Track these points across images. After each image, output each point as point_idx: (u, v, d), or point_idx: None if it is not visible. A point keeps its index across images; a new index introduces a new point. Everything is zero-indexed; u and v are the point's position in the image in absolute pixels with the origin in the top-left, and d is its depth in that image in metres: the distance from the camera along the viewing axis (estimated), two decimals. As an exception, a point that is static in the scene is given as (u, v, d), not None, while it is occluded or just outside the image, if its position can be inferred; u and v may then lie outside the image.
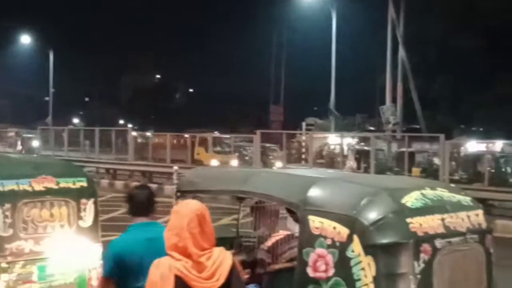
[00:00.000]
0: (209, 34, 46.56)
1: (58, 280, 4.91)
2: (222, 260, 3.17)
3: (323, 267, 3.46)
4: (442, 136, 16.61)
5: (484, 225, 3.83)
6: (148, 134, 26.15)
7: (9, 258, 4.65)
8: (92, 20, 50.91)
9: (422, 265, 3.36)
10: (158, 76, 64.24)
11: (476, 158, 21.04)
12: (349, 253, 3.38)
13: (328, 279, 3.43)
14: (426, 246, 3.40)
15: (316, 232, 3.52)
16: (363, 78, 37.76)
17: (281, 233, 4.56)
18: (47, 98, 46.02)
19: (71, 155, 24.80)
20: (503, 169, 23.14)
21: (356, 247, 3.37)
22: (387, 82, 25.02)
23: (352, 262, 3.36)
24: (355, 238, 3.38)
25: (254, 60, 43.77)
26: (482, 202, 14.34)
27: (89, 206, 4.96)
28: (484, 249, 3.78)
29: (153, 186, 20.69)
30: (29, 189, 4.82)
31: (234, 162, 21.35)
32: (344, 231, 3.42)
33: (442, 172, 16.08)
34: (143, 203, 3.95)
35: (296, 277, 3.63)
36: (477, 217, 3.81)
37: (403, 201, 3.52)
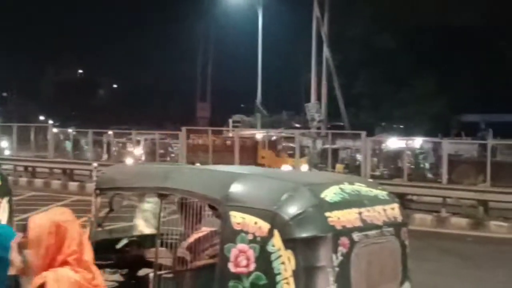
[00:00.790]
0: (134, 29, 45.67)
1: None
2: None
3: (244, 262, 3.48)
4: (363, 133, 17.07)
5: (399, 219, 3.96)
6: (70, 130, 25.37)
7: None
8: (9, 13, 48.86)
9: (340, 258, 3.44)
10: (80, 71, 62.56)
11: (397, 155, 21.70)
12: (269, 248, 3.41)
13: (249, 274, 3.45)
14: (344, 239, 3.48)
15: (238, 228, 3.53)
16: (290, 76, 38.24)
17: (204, 230, 4.54)
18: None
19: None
20: (422, 165, 24.07)
21: (276, 241, 3.41)
22: (312, 80, 25.47)
23: (273, 257, 3.40)
24: (276, 232, 3.42)
25: (180, 57, 43.34)
26: (402, 197, 15.04)
27: (3, 205, 4.77)
28: (399, 241, 3.91)
29: (75, 184, 20.20)
30: None
31: (305, 167, 19.29)
32: (265, 226, 3.45)
33: (364, 168, 16.53)
34: None
35: (218, 273, 3.63)
36: (393, 210, 3.94)
37: (322, 195, 3.59)
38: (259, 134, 23.35)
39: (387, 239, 3.79)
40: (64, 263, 2.99)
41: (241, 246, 3.50)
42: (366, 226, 3.65)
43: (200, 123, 36.54)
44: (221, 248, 3.60)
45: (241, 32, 35.25)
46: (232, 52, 40.22)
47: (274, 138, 22.81)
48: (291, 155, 21.06)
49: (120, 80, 57.18)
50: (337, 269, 3.41)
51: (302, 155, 20.43)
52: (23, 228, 3.11)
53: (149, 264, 4.52)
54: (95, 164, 13.87)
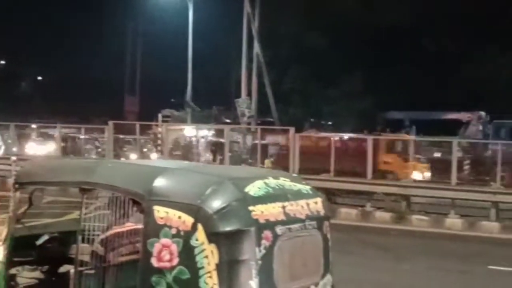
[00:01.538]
0: (60, 20, 44.11)
1: None
2: None
3: (167, 257, 3.47)
4: (292, 129, 17.28)
5: (322, 212, 4.04)
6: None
7: None
8: None
9: (264, 251, 3.48)
10: (2, 62, 60.14)
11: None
12: (193, 242, 3.41)
13: (172, 268, 3.44)
14: (267, 233, 3.52)
15: (161, 222, 3.51)
16: (220, 71, 38.17)
17: (128, 225, 4.47)
18: None
19: None
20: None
21: (200, 235, 3.41)
22: (243, 75, 25.51)
23: (196, 251, 3.41)
24: (199, 226, 3.42)
25: (108, 49, 42.36)
26: (328, 192, 15.29)
27: None
28: (322, 234, 3.99)
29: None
30: None
31: (427, 174, 18.13)
32: (188, 220, 3.45)
33: (292, 163, 16.73)
34: None
35: (140, 268, 3.60)
36: (316, 204, 4.01)
37: (246, 190, 3.62)
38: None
39: (309, 232, 3.87)
40: None
41: (164, 240, 3.48)
42: (289, 220, 3.71)
43: (129, 117, 35.92)
44: (144, 243, 3.57)
45: (171, 25, 34.83)
46: (162, 46, 39.72)
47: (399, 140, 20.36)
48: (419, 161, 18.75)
49: (45, 72, 55.32)
50: (260, 262, 3.45)
51: (232, 150, 20.51)
52: None
53: (70, 261, 4.42)
54: (13, 158, 13.35)
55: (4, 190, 16.33)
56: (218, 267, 3.37)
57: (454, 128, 26.41)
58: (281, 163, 17.71)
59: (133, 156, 19.67)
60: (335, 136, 21.77)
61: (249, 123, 24.32)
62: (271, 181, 3.85)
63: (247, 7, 24.70)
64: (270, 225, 3.55)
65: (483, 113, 24.24)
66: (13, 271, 4.52)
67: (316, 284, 3.91)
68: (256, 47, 25.40)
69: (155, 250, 3.50)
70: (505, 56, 32.26)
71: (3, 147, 21.86)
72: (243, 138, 23.18)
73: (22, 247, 4.49)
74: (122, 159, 13.33)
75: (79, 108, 39.73)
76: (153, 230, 3.54)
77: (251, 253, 3.42)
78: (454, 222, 14.11)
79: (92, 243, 4.29)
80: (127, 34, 44.47)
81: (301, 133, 22.06)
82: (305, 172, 15.51)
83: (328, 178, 15.83)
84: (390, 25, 33.13)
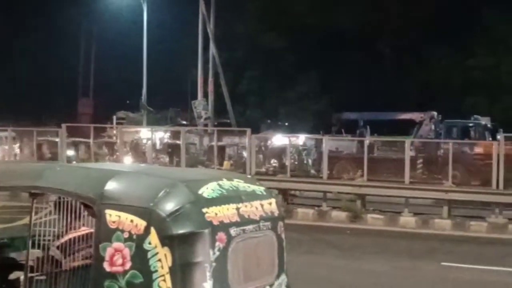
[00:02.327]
0: (10, 17, 42.90)
1: None
2: None
3: (120, 261, 3.43)
4: (248, 130, 17.32)
5: (276, 213, 4.06)
6: None
7: None
8: None
9: (217, 253, 3.48)
10: None
11: (281, 151, 22.26)
12: (146, 246, 3.39)
13: (125, 272, 3.41)
14: (221, 235, 3.52)
15: (113, 226, 3.48)
16: (177, 72, 37.93)
17: (81, 230, 4.40)
18: None
19: None
20: (305, 161, 24.85)
21: (153, 239, 3.39)
22: (199, 77, 25.46)
23: (149, 254, 3.38)
24: (152, 230, 3.40)
25: (61, 50, 41.50)
26: (285, 192, 15.38)
27: None
28: (276, 235, 4.02)
29: None
30: None
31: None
32: (141, 223, 3.42)
33: (248, 164, 16.77)
34: None
35: (93, 273, 3.56)
36: (270, 205, 4.04)
37: (200, 192, 3.62)
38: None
39: (264, 233, 3.88)
40: None
41: (116, 244, 3.45)
42: (244, 221, 3.72)
43: (82, 119, 35.35)
44: (96, 248, 3.53)
45: (126, 26, 34.43)
46: (117, 47, 39.19)
47: None
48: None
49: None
50: (214, 264, 3.45)
51: (189, 152, 20.42)
52: None
53: (21, 267, 4.32)
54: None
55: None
56: (172, 270, 3.35)
57: (407, 128, 26.87)
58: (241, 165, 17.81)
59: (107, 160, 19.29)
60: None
61: (205, 125, 24.27)
62: (225, 183, 3.85)
63: (202, 9, 24.66)
64: (224, 227, 3.55)
65: (435, 113, 24.71)
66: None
67: (271, 285, 3.93)
68: (212, 48, 25.39)
69: (107, 254, 3.46)
70: (455, 57, 33.10)
71: None
72: (200, 140, 23.13)
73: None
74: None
75: (31, 110, 38.80)
76: (105, 234, 3.50)
77: (205, 255, 3.42)
78: (407, 220, 14.40)
79: (43, 248, 4.21)
80: (81, 35, 43.73)
81: (257, 134, 22.20)
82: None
83: (285, 179, 15.93)
84: (345, 27, 33.58)
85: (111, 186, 3.61)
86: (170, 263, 3.35)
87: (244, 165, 17.93)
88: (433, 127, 24.33)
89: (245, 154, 20.44)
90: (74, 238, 4.23)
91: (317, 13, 34.14)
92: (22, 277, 4.07)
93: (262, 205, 3.95)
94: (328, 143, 18.58)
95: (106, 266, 3.45)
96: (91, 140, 19.09)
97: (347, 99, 33.27)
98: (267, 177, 16.11)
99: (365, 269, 10.02)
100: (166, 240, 3.37)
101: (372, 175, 16.68)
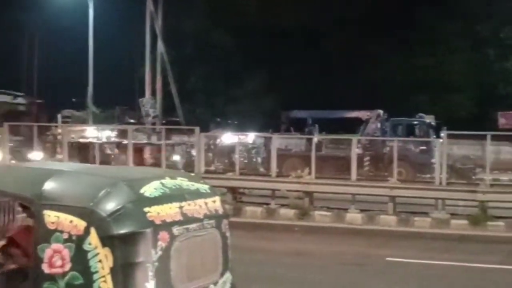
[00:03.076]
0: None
1: None
2: None
3: (59, 263, 3.36)
4: (197, 129, 17.23)
5: (220, 211, 4.05)
6: None
7: None
8: None
9: (160, 253, 3.45)
10: None
11: (231, 149, 22.27)
12: (86, 246, 3.32)
13: (64, 274, 3.33)
14: (163, 234, 3.49)
15: (52, 227, 3.40)
16: (124, 70, 37.38)
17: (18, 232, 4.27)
18: None
19: None
20: (254, 159, 24.94)
21: (93, 239, 3.33)
22: (147, 75, 25.13)
23: (89, 255, 3.32)
24: (92, 230, 3.33)
25: (3, 46, 40.29)
26: (234, 190, 15.36)
27: None
28: (220, 233, 4.00)
29: None
30: None
31: None
32: (81, 224, 3.36)
33: (197, 163, 16.69)
34: None
35: (32, 275, 3.47)
36: (214, 203, 4.02)
37: (142, 191, 3.57)
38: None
39: (208, 231, 3.86)
40: None
41: (55, 246, 3.37)
42: (187, 220, 3.69)
43: (26, 118, 34.33)
44: (35, 249, 3.43)
45: (71, 23, 33.69)
46: (62, 45, 38.34)
47: None
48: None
49: None
50: (156, 264, 3.41)
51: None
52: None
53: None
54: None
55: None
56: (113, 271, 3.30)
57: (355, 126, 27.29)
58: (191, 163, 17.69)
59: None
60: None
61: (153, 123, 24.00)
62: (168, 181, 3.81)
63: (149, 5, 24.36)
64: (166, 226, 3.52)
65: (381, 112, 25.21)
66: None
67: (215, 283, 3.92)
68: (160, 46, 25.11)
69: (46, 256, 3.38)
70: (400, 56, 33.82)
71: None
72: (147, 139, 22.84)
73: None
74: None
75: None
76: (43, 235, 3.41)
77: (146, 255, 3.38)
78: (354, 217, 14.61)
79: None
80: (23, 33, 42.51)
81: (207, 133, 22.13)
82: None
83: (233, 177, 15.93)
84: (293, 25, 33.83)
85: (49, 185, 3.52)
86: (111, 264, 3.30)
87: (193, 164, 17.83)
88: (379, 125, 24.82)
89: (194, 152, 20.34)
90: (11, 239, 4.11)
91: (264, 11, 34.27)
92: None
93: (206, 203, 3.92)
94: (277, 141, 18.70)
95: (45, 267, 3.37)
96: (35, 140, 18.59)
97: (296, 97, 33.54)
98: (216, 176, 16.08)
99: (312, 266, 10.12)
100: (107, 240, 3.31)
101: (320, 173, 16.88)
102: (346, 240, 12.74)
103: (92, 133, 23.59)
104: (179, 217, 3.63)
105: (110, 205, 3.38)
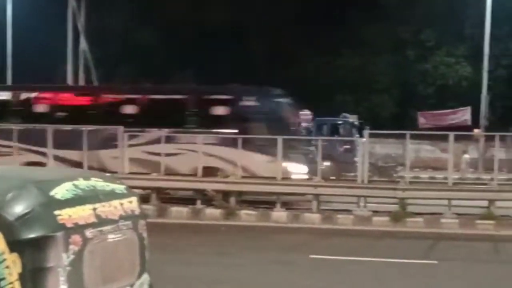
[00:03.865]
0: None
1: None
2: None
3: (-37, 270, 3.17)
4: (120, 128, 16.83)
5: (137, 212, 3.97)
6: None
7: None
8: None
9: (72, 256, 3.33)
10: None
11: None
12: (-8, 252, 3.16)
13: (-31, 282, 3.16)
14: (75, 237, 3.37)
15: (-46, 233, 3.21)
16: (45, 68, 36.17)
17: None
18: None
19: None
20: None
21: (0, 244, 3.17)
22: (69, 73, 24.51)
23: (-4, 261, 3.16)
24: (-1, 235, 3.18)
25: None
26: (159, 191, 15.14)
27: None
28: (137, 234, 3.92)
29: None
30: None
31: None
32: (-14, 229, 3.19)
33: (121, 163, 16.32)
34: None
35: None
36: (131, 204, 3.93)
37: (52, 193, 3.44)
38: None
39: (123, 233, 3.77)
40: None
41: (-41, 252, 3.18)
42: (101, 222, 3.59)
43: None
44: None
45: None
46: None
47: None
48: None
49: None
50: (68, 268, 3.30)
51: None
52: None
53: None
54: None
55: None
56: (21, 277, 3.16)
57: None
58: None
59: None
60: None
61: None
62: (81, 183, 3.69)
63: (71, 1, 23.73)
64: (79, 229, 3.40)
65: (307, 111, 25.60)
66: None
67: (132, 285, 3.85)
68: (83, 43, 24.52)
69: (-51, 263, 3.19)
70: (325, 57, 34.48)
71: None
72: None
73: None
74: None
75: None
76: None
77: (57, 259, 3.25)
78: (280, 215, 14.77)
79: None
80: None
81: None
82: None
83: (158, 177, 15.72)
84: (220, 24, 33.79)
85: (-49, 188, 3.33)
86: (19, 270, 3.16)
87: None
88: (305, 125, 25.20)
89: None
90: None
91: (192, 10, 34.08)
92: None
93: (121, 204, 3.83)
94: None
95: (-52, 276, 3.18)
96: None
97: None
98: (140, 176, 15.81)
99: (236, 265, 10.14)
100: (15, 245, 3.16)
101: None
102: (271, 239, 12.85)
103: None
104: (92, 219, 3.52)
105: (18, 209, 3.23)
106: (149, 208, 14.64)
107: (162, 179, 15.66)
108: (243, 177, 15.92)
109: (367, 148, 16.41)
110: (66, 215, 3.37)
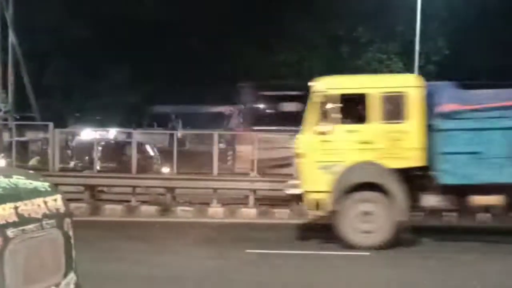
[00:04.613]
0: None
1: None
2: None
3: None
4: (51, 125, 16.42)
5: (62, 210, 3.88)
6: None
7: None
8: None
9: (-8, 257, 3.22)
10: None
11: (90, 146, 21.51)
12: None
13: None
14: (-4, 237, 3.27)
15: None
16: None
17: None
18: None
19: None
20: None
21: None
22: (-5, 66, 23.59)
23: None
24: None
25: None
26: (93, 188, 14.84)
27: None
28: (62, 232, 3.84)
29: None
30: None
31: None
32: None
33: (52, 160, 15.92)
34: None
35: None
36: (55, 202, 3.84)
37: (-30, 192, 3.31)
38: None
39: (47, 232, 3.69)
40: None
41: None
42: (23, 221, 3.49)
43: None
44: None
45: None
46: None
47: None
48: None
49: None
50: (-12, 268, 3.18)
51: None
52: None
53: None
54: None
55: None
56: None
57: (218, 121, 27.57)
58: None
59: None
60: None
61: (5, 119, 22.61)
62: (2, 181, 3.58)
63: (-1, -6, 22.86)
64: (-1, 228, 3.29)
65: (243, 107, 25.67)
66: None
67: (58, 285, 3.76)
68: (11, 36, 23.66)
69: None
70: (261, 53, 34.59)
71: None
72: (-1, 135, 21.46)
73: None
74: None
75: None
76: None
77: (-24, 260, 3.14)
78: (216, 211, 14.76)
79: None
80: None
81: (63, 129, 21.22)
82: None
83: (92, 175, 15.42)
84: (157, 20, 33.38)
85: None
86: None
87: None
88: (241, 120, 25.27)
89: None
90: None
91: (128, 4, 33.50)
92: None
93: (45, 202, 3.74)
94: (140, 136, 18.34)
95: None
96: None
97: (161, 92, 33.23)
98: (73, 174, 15.44)
99: (170, 262, 10.05)
100: None
101: (184, 168, 16.81)
102: (207, 234, 12.81)
103: None
104: (14, 218, 3.42)
105: None
106: (82, 206, 14.37)
107: (95, 176, 15.37)
108: (180, 173, 15.81)
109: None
110: (-15, 214, 3.26)
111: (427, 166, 11.02)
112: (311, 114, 11.20)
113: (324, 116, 11.12)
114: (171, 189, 15.35)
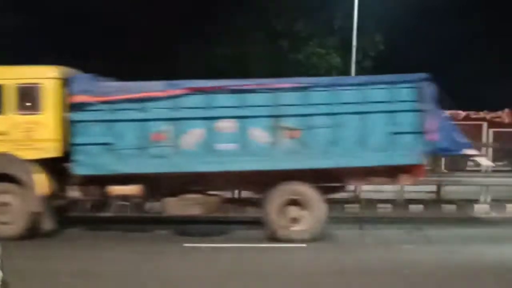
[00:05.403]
0: None
1: None
2: None
3: None
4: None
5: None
6: None
7: None
8: None
9: None
10: None
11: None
12: None
13: None
14: None
15: None
16: None
17: None
18: None
19: None
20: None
21: None
22: None
23: None
24: None
25: None
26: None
27: None
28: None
29: None
30: None
31: None
32: None
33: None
34: None
35: None
36: None
37: None
38: None
39: None
40: None
41: None
42: None
43: None
44: None
45: None
46: None
47: None
48: None
49: None
50: None
51: None
52: None
53: None
54: None
55: None
56: None
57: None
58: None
59: None
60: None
61: None
62: None
63: None
64: None
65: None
66: None
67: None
68: None
69: None
70: (199, 48, 34.40)
71: None
72: None
73: None
74: None
75: None
76: None
77: None
78: (152, 206, 14.55)
79: None
80: None
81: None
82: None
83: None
84: (99, 16, 32.69)
85: None
86: None
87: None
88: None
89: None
90: None
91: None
92: None
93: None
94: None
95: None
96: None
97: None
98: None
99: (106, 257, 9.98)
100: None
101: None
102: (143, 229, 12.72)
103: None
104: None
105: None
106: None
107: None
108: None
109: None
110: None
111: (67, 157, 11.19)
112: None
113: None
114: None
